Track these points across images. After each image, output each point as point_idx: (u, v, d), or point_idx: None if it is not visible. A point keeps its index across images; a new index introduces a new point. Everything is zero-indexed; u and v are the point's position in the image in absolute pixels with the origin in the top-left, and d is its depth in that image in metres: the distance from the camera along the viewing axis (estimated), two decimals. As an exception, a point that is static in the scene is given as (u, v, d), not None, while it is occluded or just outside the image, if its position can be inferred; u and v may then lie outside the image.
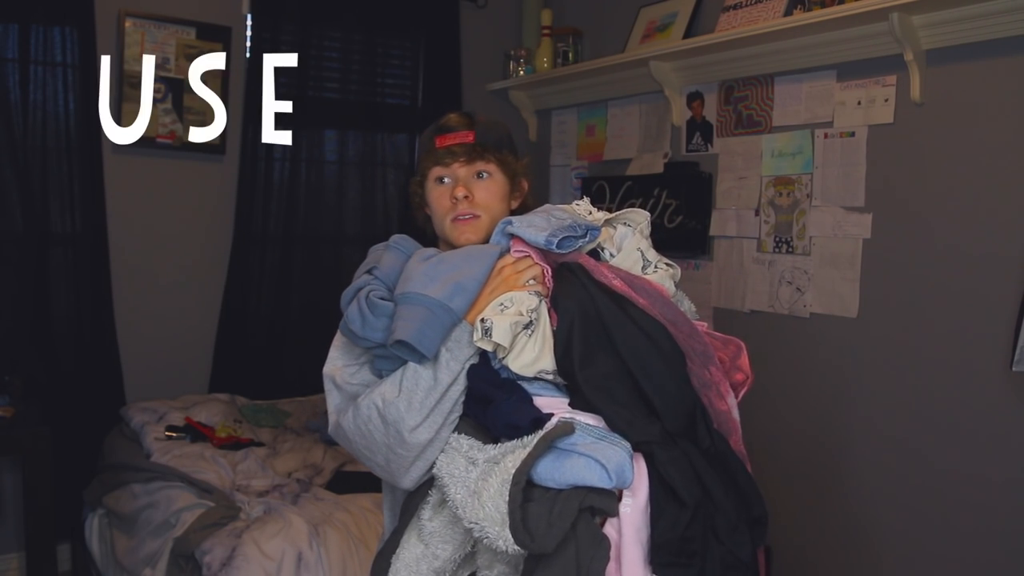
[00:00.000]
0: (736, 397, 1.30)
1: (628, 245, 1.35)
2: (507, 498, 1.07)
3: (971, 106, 2.34)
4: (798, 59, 2.76)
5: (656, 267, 1.35)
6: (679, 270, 1.38)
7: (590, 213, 1.39)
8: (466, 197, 1.36)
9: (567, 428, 1.13)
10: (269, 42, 3.40)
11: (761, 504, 1.22)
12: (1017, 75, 2.24)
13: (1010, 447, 2.26)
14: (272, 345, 3.50)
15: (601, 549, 1.10)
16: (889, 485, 2.54)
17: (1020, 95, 2.24)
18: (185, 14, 3.24)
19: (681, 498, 1.12)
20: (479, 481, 1.13)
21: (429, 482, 1.24)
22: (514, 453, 1.13)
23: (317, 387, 1.36)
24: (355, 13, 3.57)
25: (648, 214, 1.39)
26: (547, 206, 1.37)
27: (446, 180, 1.38)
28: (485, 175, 1.39)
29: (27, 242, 3.00)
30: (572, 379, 1.19)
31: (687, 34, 3.14)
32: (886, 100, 2.54)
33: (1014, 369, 2.08)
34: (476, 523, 1.10)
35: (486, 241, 1.39)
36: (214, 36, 3.30)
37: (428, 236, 1.48)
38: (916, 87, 2.43)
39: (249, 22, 3.41)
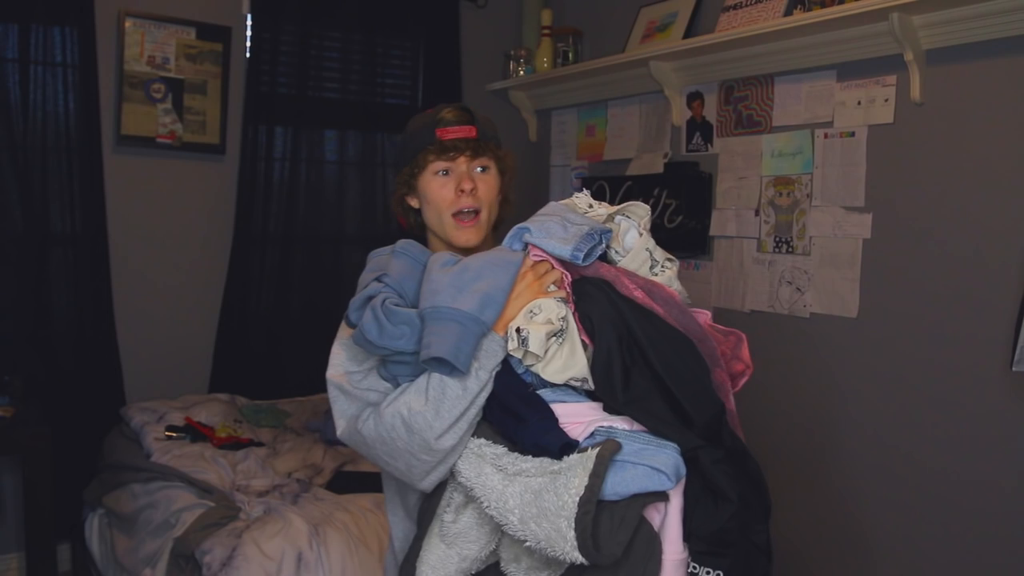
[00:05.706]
0: (736, 387, 1.31)
1: (637, 245, 1.32)
2: (572, 523, 1.06)
3: (971, 106, 2.34)
4: (798, 59, 2.76)
5: (663, 266, 1.33)
6: (678, 263, 1.38)
7: (590, 207, 1.36)
8: (473, 190, 1.37)
9: (614, 446, 1.12)
10: (269, 42, 3.40)
11: (768, 494, 1.25)
12: (1017, 75, 2.24)
13: (1010, 447, 2.26)
14: (272, 345, 3.50)
15: (655, 549, 1.11)
16: (889, 485, 2.54)
17: (1020, 95, 2.24)
18: (185, 14, 3.25)
19: (728, 496, 1.15)
20: (527, 499, 1.12)
21: (443, 485, 1.24)
22: (560, 475, 1.11)
23: (317, 387, 1.35)
24: (355, 13, 3.57)
25: (648, 208, 1.37)
26: (552, 205, 1.34)
27: (448, 173, 1.39)
28: (485, 170, 1.40)
29: (27, 242, 3.00)
30: (614, 401, 1.19)
31: (687, 34, 3.14)
32: (886, 100, 2.54)
33: (1014, 369, 2.07)
34: (536, 543, 1.10)
35: (483, 241, 1.40)
36: (214, 36, 3.30)
37: (410, 234, 1.45)
38: (916, 87, 2.43)
39: (249, 22, 3.41)
